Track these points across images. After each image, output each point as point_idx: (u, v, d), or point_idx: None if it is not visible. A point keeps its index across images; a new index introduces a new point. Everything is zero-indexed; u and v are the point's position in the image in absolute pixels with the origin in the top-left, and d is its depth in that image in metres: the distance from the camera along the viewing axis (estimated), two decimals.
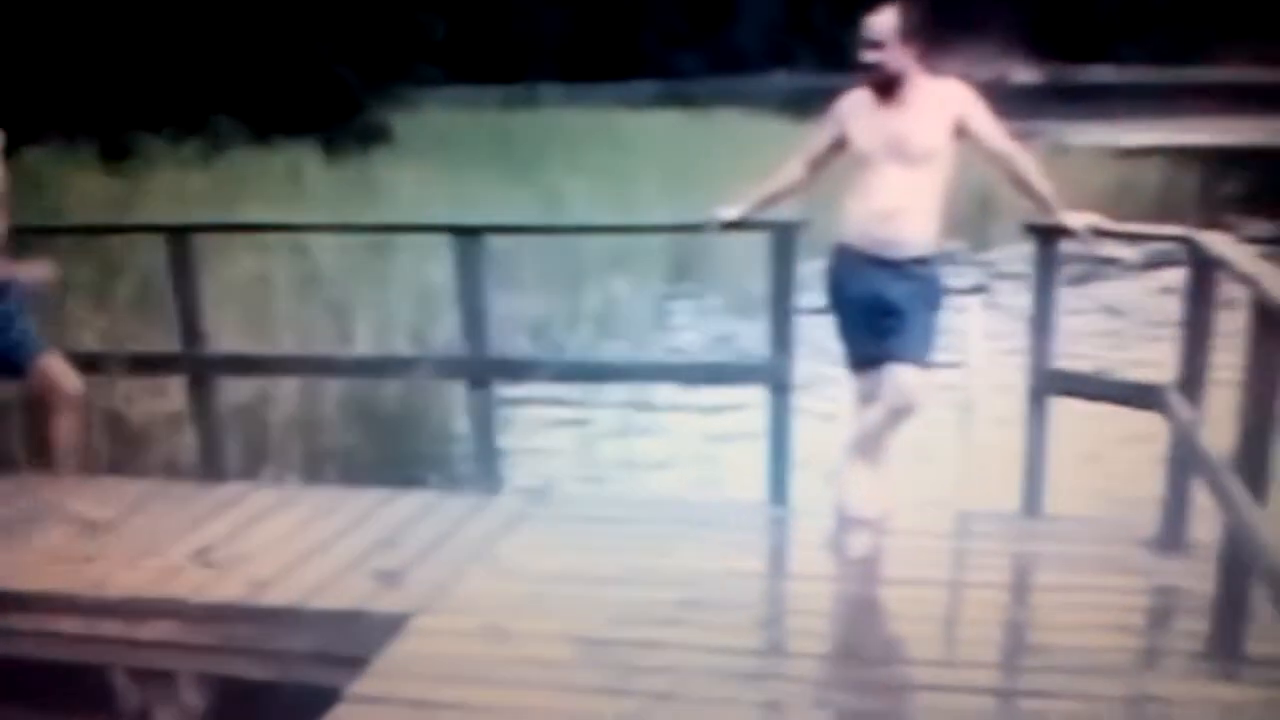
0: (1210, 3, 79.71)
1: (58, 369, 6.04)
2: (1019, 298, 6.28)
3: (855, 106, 5.58)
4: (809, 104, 6.01)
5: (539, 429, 9.60)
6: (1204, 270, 5.27)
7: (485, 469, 6.64)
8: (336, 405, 8.86)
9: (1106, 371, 8.08)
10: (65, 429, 6.03)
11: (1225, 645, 4.47)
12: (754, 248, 6.45)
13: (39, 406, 6.27)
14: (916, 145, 5.42)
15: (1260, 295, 4.16)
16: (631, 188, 15.33)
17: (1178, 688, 4.32)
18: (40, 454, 6.54)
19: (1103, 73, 74.57)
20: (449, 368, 7.08)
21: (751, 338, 10.55)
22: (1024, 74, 73.22)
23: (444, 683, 4.46)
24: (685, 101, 24.46)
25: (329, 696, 4.38)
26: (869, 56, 5.43)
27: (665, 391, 9.85)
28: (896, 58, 5.40)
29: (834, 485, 5.90)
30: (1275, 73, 69.76)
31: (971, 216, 15.98)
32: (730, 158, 16.61)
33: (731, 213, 6.01)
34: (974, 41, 68.25)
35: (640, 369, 8.11)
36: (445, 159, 18.20)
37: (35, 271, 6.04)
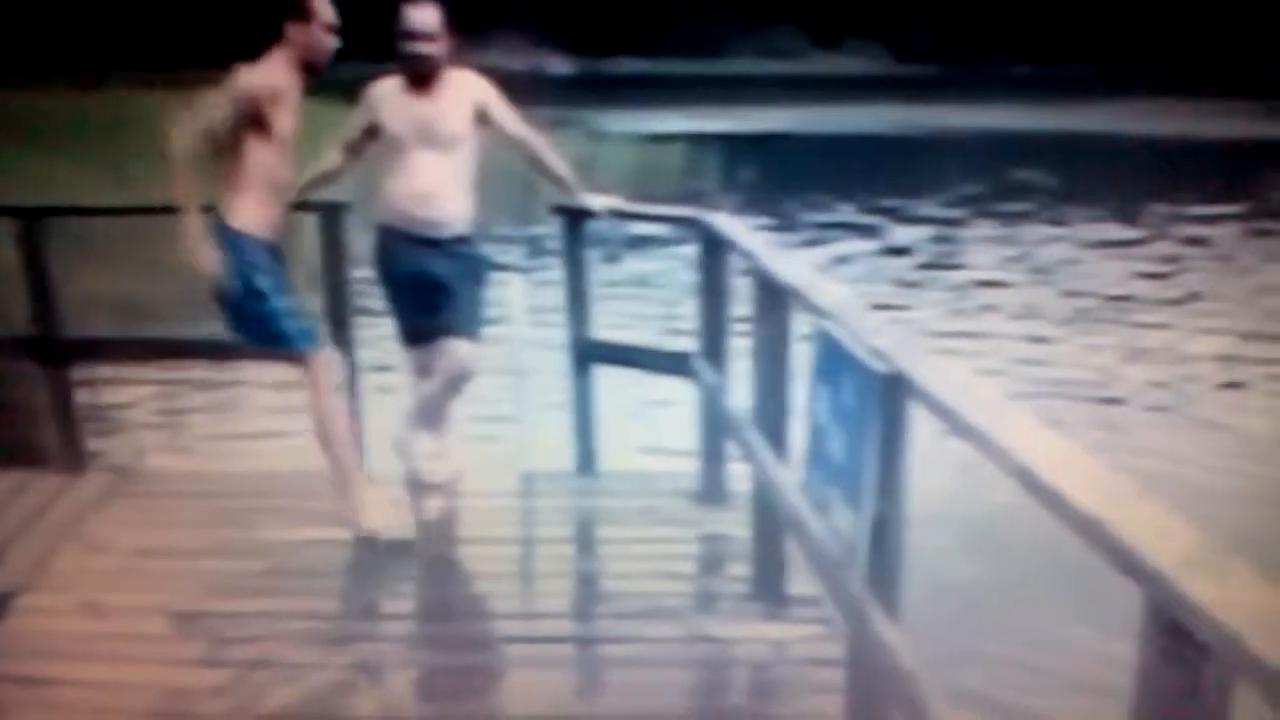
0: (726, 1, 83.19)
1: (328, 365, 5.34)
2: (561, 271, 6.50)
3: (385, 94, 5.65)
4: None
5: (127, 399, 9.19)
6: (714, 247, 5.50)
7: (70, 448, 6.31)
8: None
9: (641, 340, 8.37)
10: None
11: (767, 587, 4.67)
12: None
13: None
14: (445, 131, 5.55)
15: (758, 268, 4.46)
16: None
17: (730, 628, 4.51)
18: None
19: (631, 64, 76.68)
20: (22, 349, 6.70)
21: None
22: (559, 66, 74.48)
23: (46, 659, 4.24)
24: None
25: None
26: (417, 48, 5.51)
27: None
28: (439, 50, 5.52)
29: (399, 453, 5.93)
30: (783, 65, 73.81)
31: (516, 195, 16.27)
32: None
33: None
34: (510, 35, 69.02)
35: (214, 345, 7.90)
36: (20, 140, 17.09)
37: None
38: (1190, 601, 1.64)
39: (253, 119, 4.95)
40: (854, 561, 3.09)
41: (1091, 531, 1.88)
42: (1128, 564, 1.78)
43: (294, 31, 5.08)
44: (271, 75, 5.03)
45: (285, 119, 5.04)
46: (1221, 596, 1.61)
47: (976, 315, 12.90)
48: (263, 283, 5.14)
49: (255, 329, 5.25)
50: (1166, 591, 1.70)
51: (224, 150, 5.03)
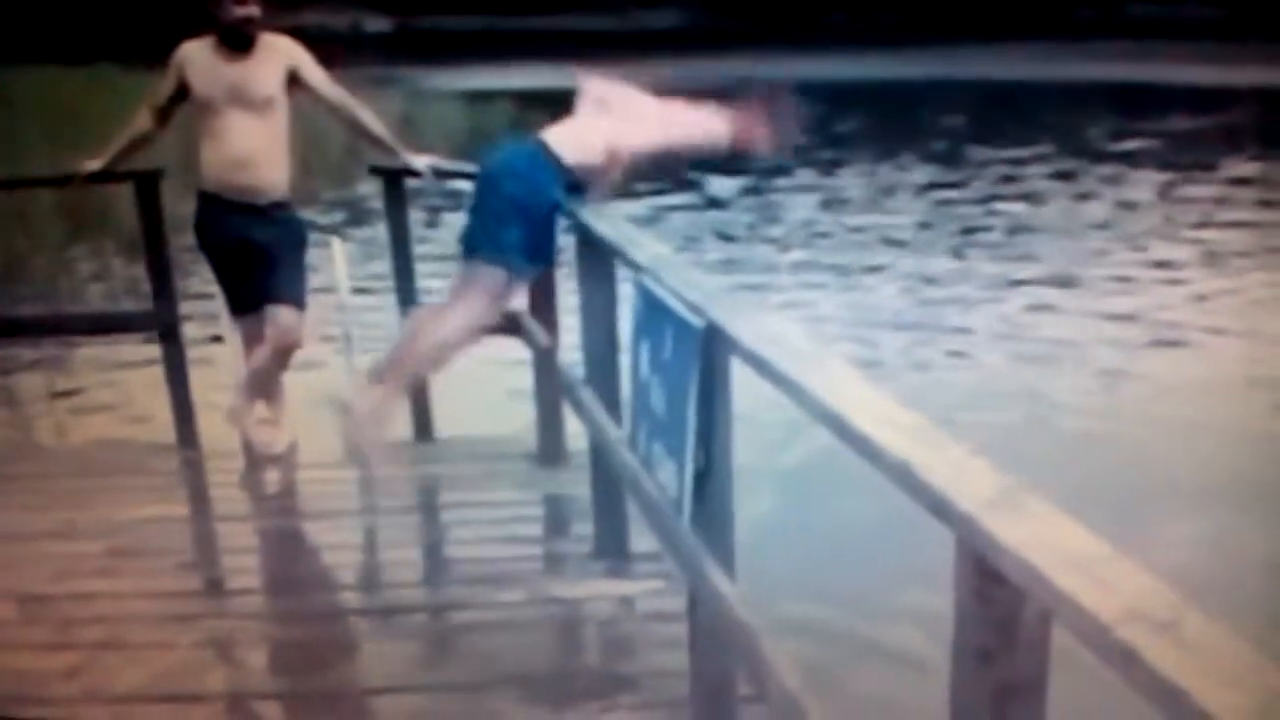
0: None
1: None
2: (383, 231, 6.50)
3: (195, 56, 5.62)
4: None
5: None
6: None
7: None
8: None
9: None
10: None
11: (610, 545, 4.75)
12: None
13: None
14: (257, 93, 5.55)
15: (580, 224, 4.45)
16: (17, 144, 14.29)
17: (576, 588, 4.59)
18: None
19: (449, 21, 75.68)
20: None
21: None
22: (377, 23, 73.37)
23: None
24: (62, 58, 23.02)
25: None
26: (243, 11, 5.51)
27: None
28: (259, 11, 5.54)
29: (234, 425, 5.92)
30: (602, 21, 73.53)
31: (336, 157, 16.14)
32: (113, 110, 15.83)
33: (93, 164, 5.87)
34: None
35: (33, 323, 7.76)
36: None
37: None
38: (1000, 543, 1.66)
39: None
40: (679, 514, 3.14)
41: (901, 475, 1.94)
42: (936, 506, 1.83)
43: None
44: None
45: None
46: (1031, 537, 1.65)
47: (797, 261, 13.14)
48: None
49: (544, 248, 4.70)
50: (976, 533, 1.73)
51: None
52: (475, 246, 4.56)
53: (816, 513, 6.24)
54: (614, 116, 4.71)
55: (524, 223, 4.48)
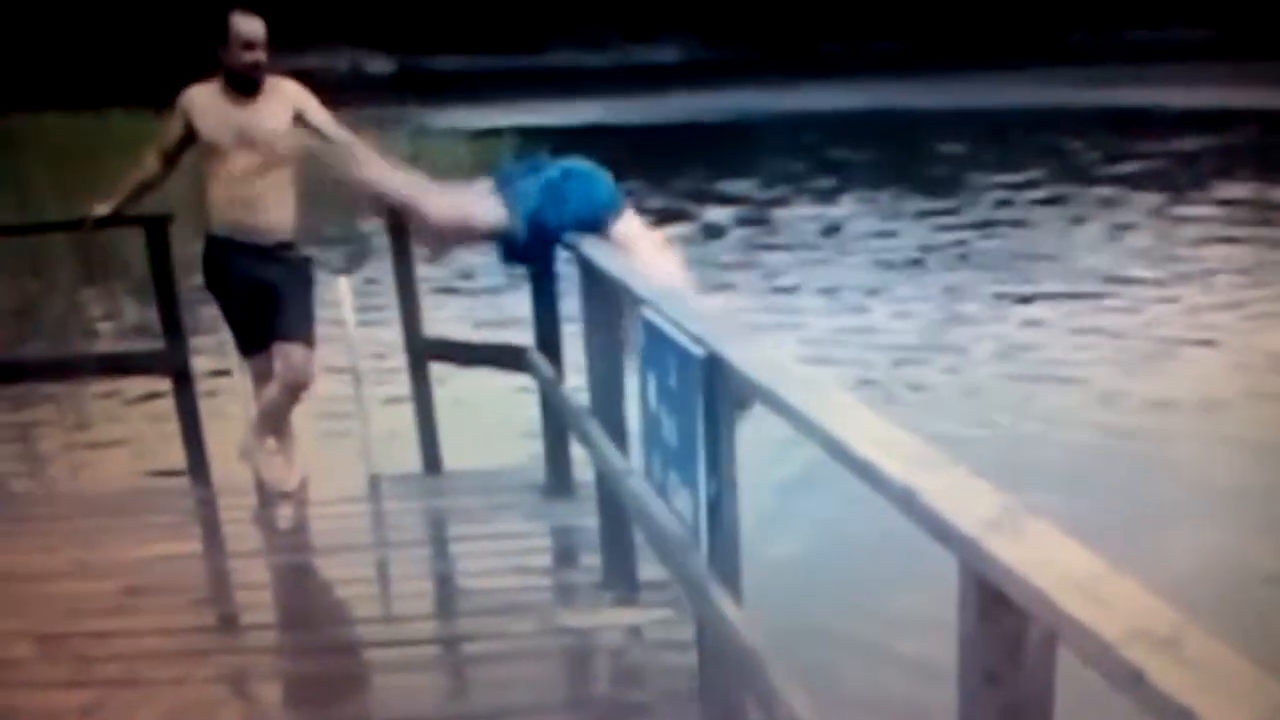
0: None
1: None
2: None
3: (201, 100, 5.64)
4: None
5: None
6: None
7: None
8: None
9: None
10: None
11: (619, 574, 4.72)
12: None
13: None
14: (264, 134, 5.56)
15: (583, 257, 4.50)
16: (28, 189, 14.36)
17: (585, 618, 4.57)
18: None
19: (451, 61, 75.89)
20: None
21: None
22: (378, 64, 73.58)
23: None
24: (70, 103, 23.08)
25: None
26: (252, 57, 5.53)
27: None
28: (267, 57, 5.56)
29: (245, 462, 5.93)
30: (601, 57, 73.85)
31: (340, 195, 16.17)
32: (121, 154, 15.85)
33: (102, 208, 5.90)
34: (328, 36, 67.97)
35: (46, 366, 7.77)
36: None
37: None
38: (1003, 565, 1.65)
39: None
40: (695, 543, 3.12)
41: (903, 501, 1.93)
42: (939, 530, 1.82)
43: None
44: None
45: None
46: (1032, 558, 1.63)
47: (795, 285, 13.16)
48: None
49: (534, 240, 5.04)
50: (979, 556, 1.71)
51: None
52: (507, 181, 5.02)
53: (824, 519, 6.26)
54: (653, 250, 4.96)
55: (547, 209, 4.84)
